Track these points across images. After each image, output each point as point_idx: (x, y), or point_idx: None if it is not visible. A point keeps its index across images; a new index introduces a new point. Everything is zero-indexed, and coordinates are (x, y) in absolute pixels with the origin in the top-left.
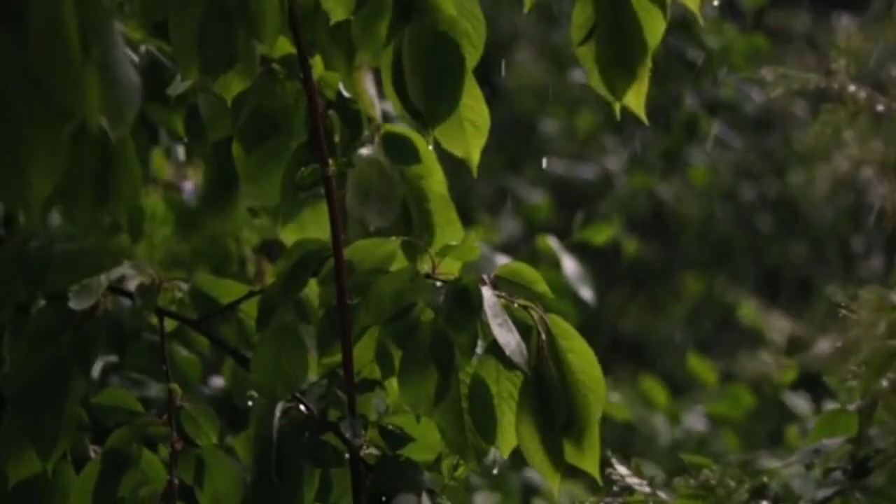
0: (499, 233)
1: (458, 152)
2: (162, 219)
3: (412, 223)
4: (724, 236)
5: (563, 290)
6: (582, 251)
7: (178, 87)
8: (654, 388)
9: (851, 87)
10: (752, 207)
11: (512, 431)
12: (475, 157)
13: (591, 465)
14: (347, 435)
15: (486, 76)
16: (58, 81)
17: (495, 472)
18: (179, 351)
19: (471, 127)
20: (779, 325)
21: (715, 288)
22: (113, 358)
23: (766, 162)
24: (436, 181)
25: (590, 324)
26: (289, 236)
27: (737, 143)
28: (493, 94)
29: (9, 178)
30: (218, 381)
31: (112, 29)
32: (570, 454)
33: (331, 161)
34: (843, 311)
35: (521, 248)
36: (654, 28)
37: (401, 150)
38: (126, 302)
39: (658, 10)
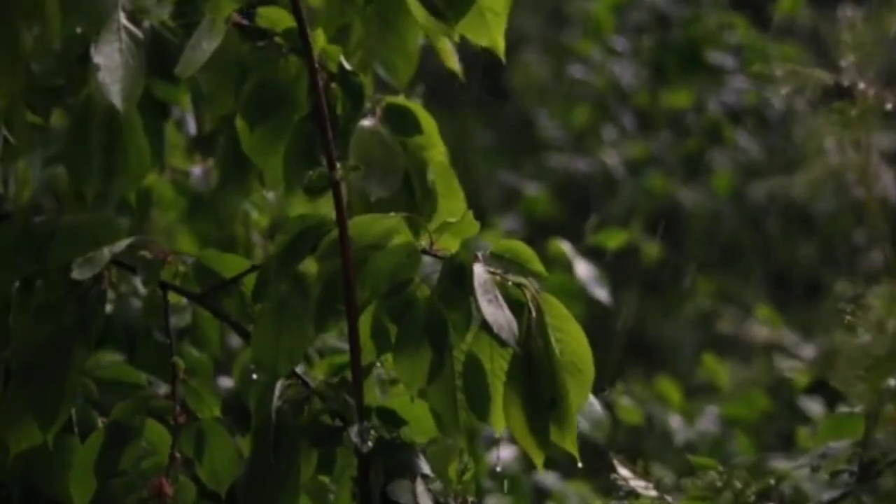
0: (516, 234)
1: (483, 41)
2: (169, 203)
3: (414, 194)
4: (732, 237)
5: (576, 293)
6: (594, 253)
7: (185, 67)
8: (669, 388)
9: (861, 84)
10: (761, 208)
11: None
12: (500, 44)
13: (569, 445)
14: (356, 441)
15: (494, 77)
16: None
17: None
18: (191, 352)
19: (491, 14)
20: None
21: (725, 289)
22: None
23: (774, 161)
24: (438, 152)
25: (604, 326)
26: (297, 208)
27: (753, 147)
28: (501, 95)
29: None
30: (227, 383)
31: None
32: (553, 433)
33: (339, 165)
34: (849, 313)
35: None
36: None
37: (402, 122)
38: (136, 303)
39: None
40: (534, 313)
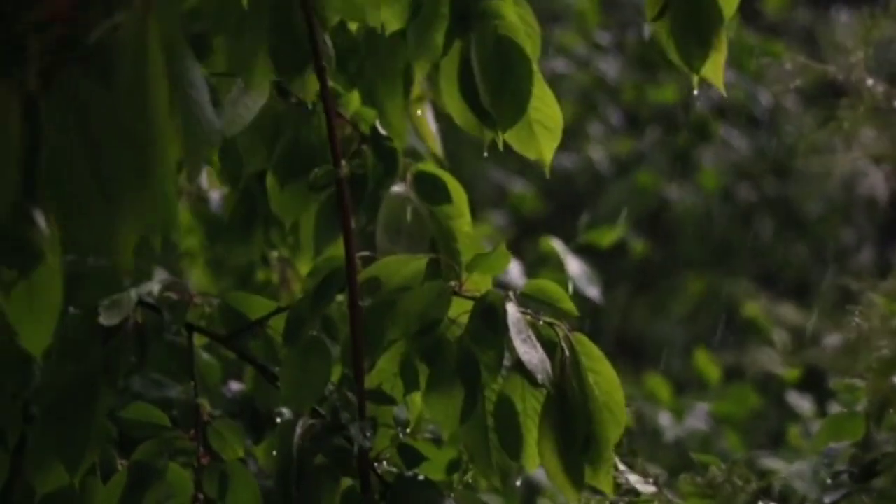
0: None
1: (530, 155)
2: (188, 228)
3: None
4: (723, 235)
5: (568, 290)
6: (584, 250)
7: (230, 125)
8: (659, 385)
9: (869, 81)
10: (751, 206)
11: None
12: (548, 158)
13: (605, 485)
14: (356, 436)
15: None
16: (148, 138)
17: (518, 483)
18: (200, 354)
19: (541, 128)
20: (782, 315)
21: (715, 286)
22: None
23: (764, 160)
24: (465, 222)
25: (594, 322)
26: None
27: (741, 145)
28: None
29: (98, 226)
30: (238, 385)
31: (193, 69)
32: (587, 473)
33: (343, 162)
34: (849, 310)
35: (519, 244)
36: None
37: (432, 189)
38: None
39: None
40: (567, 353)
